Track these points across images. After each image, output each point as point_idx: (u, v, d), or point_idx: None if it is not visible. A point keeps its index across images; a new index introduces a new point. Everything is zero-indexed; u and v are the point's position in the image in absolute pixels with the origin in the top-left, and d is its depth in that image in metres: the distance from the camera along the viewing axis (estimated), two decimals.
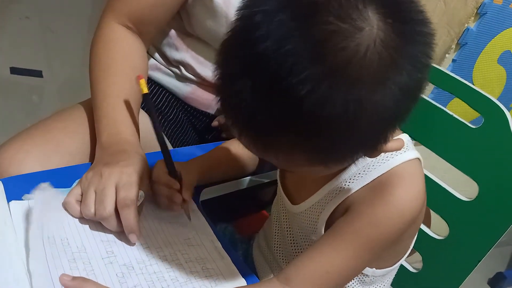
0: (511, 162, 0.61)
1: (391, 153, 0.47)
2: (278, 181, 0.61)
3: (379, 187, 0.47)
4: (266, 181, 0.77)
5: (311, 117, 0.35)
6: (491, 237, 0.65)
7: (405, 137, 0.50)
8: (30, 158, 0.57)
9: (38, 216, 0.46)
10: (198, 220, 0.59)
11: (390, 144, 0.41)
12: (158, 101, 0.83)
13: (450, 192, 0.68)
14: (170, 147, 0.83)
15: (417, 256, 0.73)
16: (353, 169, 0.49)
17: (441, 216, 0.70)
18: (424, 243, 0.70)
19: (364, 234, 0.46)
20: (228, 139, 0.78)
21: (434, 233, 0.70)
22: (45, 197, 0.49)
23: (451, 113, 0.67)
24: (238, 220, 0.88)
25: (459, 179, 0.69)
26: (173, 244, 0.54)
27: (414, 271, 0.73)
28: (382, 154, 0.48)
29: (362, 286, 0.57)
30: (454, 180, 0.70)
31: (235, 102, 0.37)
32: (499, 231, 0.64)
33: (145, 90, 0.60)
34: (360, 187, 0.48)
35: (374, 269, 0.55)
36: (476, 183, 0.65)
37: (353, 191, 0.49)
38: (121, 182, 0.51)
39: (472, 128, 0.65)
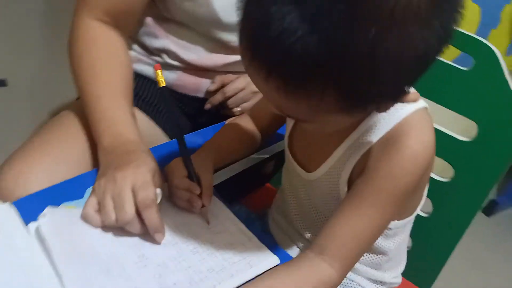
0: (505, 99, 0.63)
1: (400, 104, 0.48)
2: (287, 153, 0.61)
3: (392, 140, 0.47)
4: (267, 156, 0.78)
5: (357, 54, 0.34)
6: (493, 173, 0.68)
7: (411, 88, 0.50)
8: (34, 176, 0.55)
9: (55, 242, 0.45)
10: (217, 206, 0.58)
11: (407, 97, 0.41)
12: (145, 94, 0.81)
13: (451, 135, 0.70)
14: (165, 139, 0.82)
15: (427, 201, 0.76)
16: (364, 126, 0.49)
17: (445, 160, 0.72)
18: (431, 187, 0.72)
19: (384, 190, 0.47)
20: (226, 117, 0.78)
21: (439, 176, 0.72)
22: (56, 218, 0.47)
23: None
24: (245, 198, 0.89)
25: (456, 125, 0.71)
26: (199, 235, 0.53)
27: (425, 215, 0.76)
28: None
29: (386, 239, 0.58)
30: (452, 126, 0.71)
31: (276, 35, 0.34)
32: (501, 167, 0.67)
33: (163, 83, 0.56)
34: (374, 142, 0.49)
35: (396, 221, 0.56)
36: (475, 123, 0.67)
37: (368, 146, 0.49)
38: (137, 183, 0.50)
39: (464, 70, 0.66)
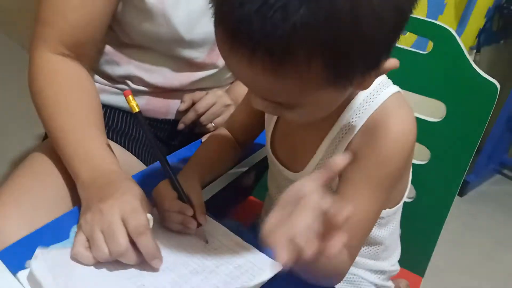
0: (467, 75, 0.66)
1: (376, 91, 0.49)
2: (272, 157, 0.61)
3: (374, 126, 0.48)
4: (245, 169, 0.77)
5: (338, 12, 0.35)
6: (468, 148, 0.70)
7: (382, 75, 0.51)
8: (13, 225, 0.52)
9: (51, 281, 0.42)
10: (209, 224, 0.57)
11: (387, 63, 0.42)
12: (114, 123, 0.79)
13: (422, 118, 0.72)
14: (141, 166, 0.80)
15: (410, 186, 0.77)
16: (345, 117, 0.50)
17: (419, 143, 0.74)
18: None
19: (374, 176, 0.48)
20: (200, 135, 0.77)
21: (417, 160, 0.74)
22: (48, 259, 0.45)
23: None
24: (229, 213, 0.88)
25: (425, 109, 0.74)
26: (196, 255, 0.52)
27: (409, 200, 0.77)
28: (368, 94, 0.50)
29: (380, 228, 0.59)
30: (421, 109, 0.74)
31: (255, 9, 0.35)
32: (474, 141, 0.69)
33: (136, 109, 0.55)
34: (358, 128, 0.50)
35: (387, 209, 0.57)
36: (442, 103, 0.69)
37: (352, 134, 0.50)
38: (125, 212, 0.48)
39: (424, 54, 0.69)
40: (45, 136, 0.77)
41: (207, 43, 0.75)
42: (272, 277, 0.50)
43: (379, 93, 0.49)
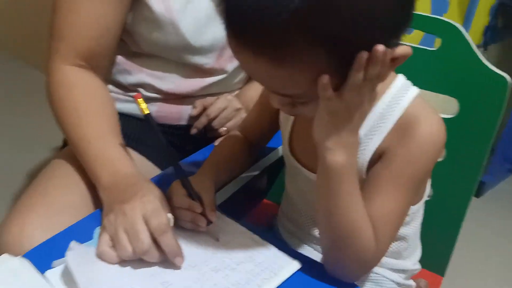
0: (477, 70, 0.66)
1: (399, 96, 0.50)
2: (290, 158, 0.61)
3: (402, 129, 0.49)
4: (257, 172, 0.78)
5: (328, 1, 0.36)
6: (483, 143, 0.70)
7: (401, 77, 0.53)
8: (38, 229, 0.54)
9: (82, 275, 0.43)
10: (227, 223, 0.58)
11: (398, 49, 0.43)
12: (129, 131, 0.80)
13: None
14: (158, 171, 0.81)
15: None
16: (370, 122, 0.51)
17: None
18: None
19: (405, 173, 0.49)
20: (212, 140, 0.78)
21: None
22: (79, 254, 0.46)
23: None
24: (244, 217, 0.88)
25: (437, 106, 0.74)
26: (217, 253, 0.53)
27: (427, 198, 0.77)
28: (392, 98, 0.50)
29: (404, 226, 0.59)
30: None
31: (252, 4, 0.37)
32: (489, 136, 0.69)
33: (146, 111, 0.56)
34: (384, 136, 0.50)
35: (411, 206, 0.57)
36: (454, 99, 0.70)
37: (378, 142, 0.50)
38: (147, 212, 0.49)
39: (433, 50, 0.70)
40: (63, 145, 0.78)
41: (215, 49, 0.77)
42: (292, 275, 0.51)
43: (403, 95, 0.50)
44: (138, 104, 0.56)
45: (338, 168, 0.46)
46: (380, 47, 0.40)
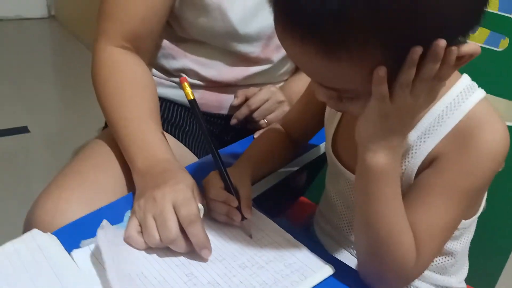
0: None
1: (462, 97, 0.46)
2: (332, 157, 0.58)
3: (463, 134, 0.44)
4: (296, 168, 0.75)
5: None
6: None
7: (466, 77, 0.48)
8: (72, 205, 0.54)
9: (109, 255, 0.43)
10: (260, 219, 0.56)
11: (464, 47, 0.38)
12: (170, 116, 0.80)
13: None
14: (194, 159, 0.80)
15: None
16: (425, 124, 0.46)
17: None
18: None
19: (458, 184, 0.44)
20: (252, 131, 0.76)
21: None
22: (109, 235, 0.45)
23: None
24: (282, 212, 0.86)
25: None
26: (246, 249, 0.51)
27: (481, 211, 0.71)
28: (454, 97, 0.46)
29: (452, 240, 0.54)
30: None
31: None
32: None
33: (191, 96, 0.55)
34: (439, 140, 0.46)
35: (463, 220, 0.52)
36: None
37: (435, 142, 0.46)
38: (178, 200, 0.48)
39: (499, 51, 0.64)
40: (105, 126, 0.79)
41: (262, 38, 0.75)
42: (324, 280, 0.48)
43: (467, 97, 0.46)
44: (183, 88, 0.55)
45: (379, 170, 0.42)
46: (442, 42, 0.36)
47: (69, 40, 2.73)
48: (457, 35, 0.38)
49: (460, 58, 0.38)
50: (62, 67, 2.45)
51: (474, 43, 0.39)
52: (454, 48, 0.37)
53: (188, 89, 0.55)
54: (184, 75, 0.78)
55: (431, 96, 0.41)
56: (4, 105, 1.92)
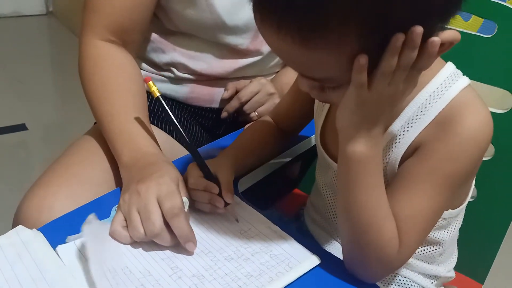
0: None
1: (445, 85, 0.45)
2: (321, 149, 0.58)
3: (445, 121, 0.44)
4: (288, 159, 0.75)
5: None
6: None
7: (450, 65, 0.47)
8: (59, 201, 0.54)
9: (94, 251, 0.43)
10: (247, 211, 0.56)
11: (444, 33, 0.38)
12: (160, 110, 0.80)
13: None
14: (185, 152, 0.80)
15: None
16: (408, 113, 0.46)
17: None
18: None
19: (441, 171, 0.44)
20: (244, 124, 0.75)
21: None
22: (94, 230, 0.45)
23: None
24: (274, 205, 0.86)
25: (489, 99, 0.67)
26: (232, 241, 0.51)
27: (470, 200, 0.71)
28: (437, 88, 0.45)
29: (439, 230, 0.54)
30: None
31: None
32: None
33: (156, 94, 0.56)
34: (423, 128, 0.45)
35: (450, 210, 0.52)
36: (509, 92, 0.63)
37: (418, 131, 0.46)
38: (161, 193, 0.48)
39: (486, 37, 0.63)
40: (96, 122, 0.79)
41: (250, 29, 0.74)
42: (310, 270, 0.48)
43: (450, 85, 0.45)
44: (149, 86, 0.56)
45: (358, 158, 0.42)
46: (418, 28, 0.35)
47: (68, 37, 2.73)
48: (437, 22, 0.38)
49: (440, 45, 0.38)
50: (61, 63, 2.45)
51: (453, 30, 0.38)
52: (436, 39, 0.37)
53: (154, 88, 0.56)
54: (172, 71, 0.77)
55: (411, 85, 0.41)
56: (1, 101, 1.93)
